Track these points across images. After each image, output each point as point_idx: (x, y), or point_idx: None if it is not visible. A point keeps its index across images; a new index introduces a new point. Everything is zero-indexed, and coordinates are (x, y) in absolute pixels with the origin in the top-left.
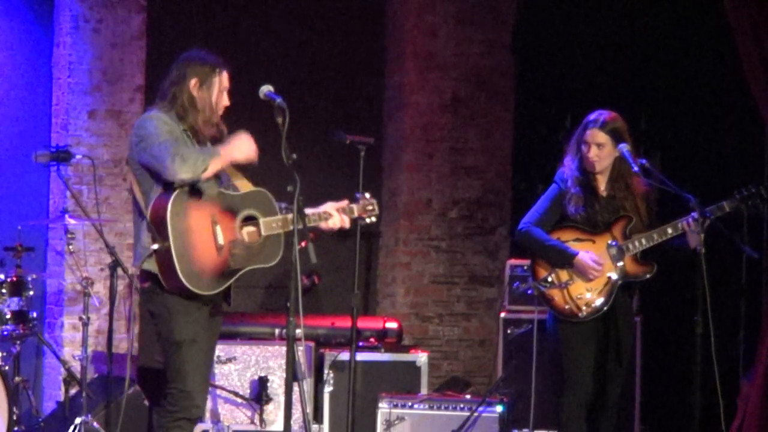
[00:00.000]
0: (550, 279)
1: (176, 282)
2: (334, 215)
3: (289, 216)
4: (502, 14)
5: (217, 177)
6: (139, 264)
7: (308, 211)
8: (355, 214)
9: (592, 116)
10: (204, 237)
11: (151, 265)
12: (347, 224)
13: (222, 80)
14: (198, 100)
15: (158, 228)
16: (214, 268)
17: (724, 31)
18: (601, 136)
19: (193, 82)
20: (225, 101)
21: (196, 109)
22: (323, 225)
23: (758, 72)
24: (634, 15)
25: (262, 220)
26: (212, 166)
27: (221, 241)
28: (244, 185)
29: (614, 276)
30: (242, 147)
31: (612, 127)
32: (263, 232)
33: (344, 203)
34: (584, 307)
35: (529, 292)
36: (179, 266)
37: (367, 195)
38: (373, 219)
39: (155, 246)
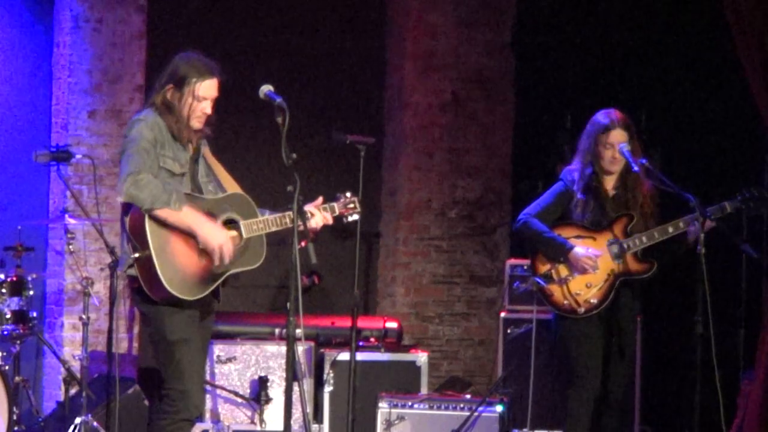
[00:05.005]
0: (549, 274)
1: (161, 291)
2: (316, 214)
3: (269, 217)
4: (502, 14)
5: (194, 178)
6: (123, 270)
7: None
8: (337, 212)
9: (605, 119)
10: (185, 243)
11: (135, 272)
12: (330, 221)
13: (199, 88)
14: (172, 105)
15: (137, 238)
16: (197, 274)
17: (724, 30)
18: (623, 135)
19: (169, 85)
20: (204, 109)
21: (171, 113)
22: (307, 224)
23: (758, 72)
24: (634, 14)
25: (242, 223)
26: (165, 214)
27: (202, 246)
28: (227, 182)
29: (614, 273)
30: (213, 236)
31: (627, 123)
32: (244, 235)
33: (320, 201)
34: (583, 303)
35: (529, 287)
36: (162, 274)
37: (348, 193)
38: (356, 216)
39: (136, 255)
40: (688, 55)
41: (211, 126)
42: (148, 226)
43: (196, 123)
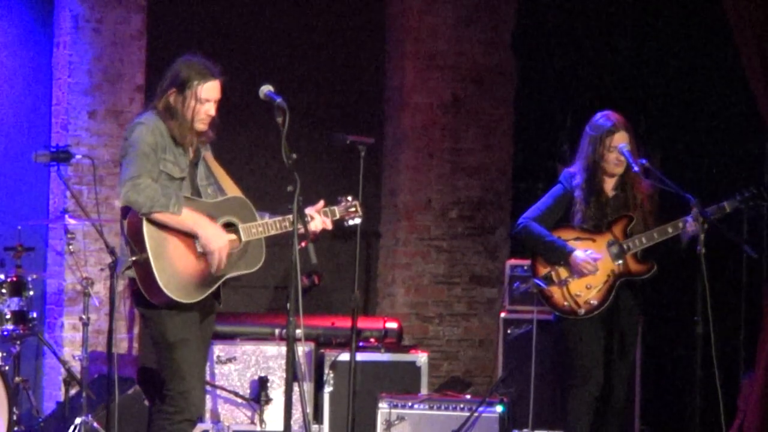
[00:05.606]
0: (549, 276)
1: (159, 295)
2: (315, 218)
3: (269, 221)
4: (502, 14)
5: (193, 181)
6: (122, 272)
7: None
8: (337, 216)
9: (607, 122)
10: (183, 246)
11: (133, 274)
12: (329, 226)
13: (201, 91)
14: (175, 109)
15: (135, 241)
16: (195, 277)
17: (724, 30)
18: (626, 137)
19: (171, 89)
20: (208, 111)
21: (174, 117)
22: (307, 226)
23: (758, 72)
24: (634, 15)
25: (241, 226)
26: (165, 217)
27: (200, 249)
28: (228, 185)
29: (614, 274)
30: (214, 238)
31: (627, 125)
32: (243, 238)
33: (321, 204)
34: (583, 304)
35: (529, 288)
36: (160, 278)
37: (350, 197)
38: (358, 220)
39: (133, 258)
40: (688, 54)
41: (215, 128)
42: (146, 229)
43: (200, 125)
